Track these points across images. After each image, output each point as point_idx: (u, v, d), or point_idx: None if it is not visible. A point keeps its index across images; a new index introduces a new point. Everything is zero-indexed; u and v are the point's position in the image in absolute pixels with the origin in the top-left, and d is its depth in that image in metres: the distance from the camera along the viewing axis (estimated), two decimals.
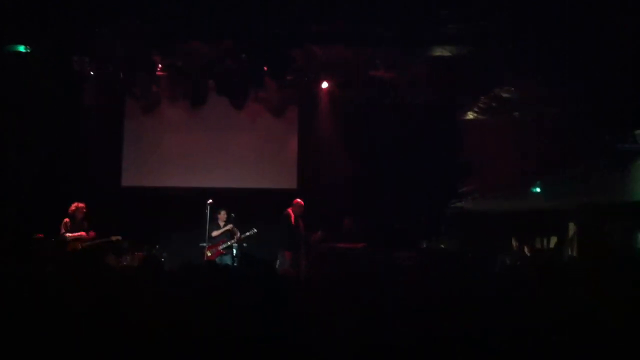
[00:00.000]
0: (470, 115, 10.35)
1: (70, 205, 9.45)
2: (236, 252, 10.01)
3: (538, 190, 10.29)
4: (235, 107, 11.35)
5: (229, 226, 10.12)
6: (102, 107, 11.17)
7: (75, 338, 3.19)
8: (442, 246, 9.95)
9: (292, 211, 10.06)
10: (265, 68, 10.39)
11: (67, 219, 9.36)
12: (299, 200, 10.17)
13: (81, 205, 9.48)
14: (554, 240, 10.54)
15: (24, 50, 9.92)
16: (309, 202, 10.70)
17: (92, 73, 10.51)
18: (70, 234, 9.27)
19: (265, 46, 9.80)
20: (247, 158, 11.59)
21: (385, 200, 10.98)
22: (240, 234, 10.02)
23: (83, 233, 9.35)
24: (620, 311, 3.71)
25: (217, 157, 11.58)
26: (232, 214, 10.21)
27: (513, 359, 3.29)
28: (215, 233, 9.97)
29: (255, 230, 9.99)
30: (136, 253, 9.39)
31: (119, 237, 9.51)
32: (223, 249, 10.06)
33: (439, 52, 9.74)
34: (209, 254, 9.94)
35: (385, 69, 10.24)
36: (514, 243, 9.41)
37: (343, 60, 10.13)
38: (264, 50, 9.90)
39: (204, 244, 9.95)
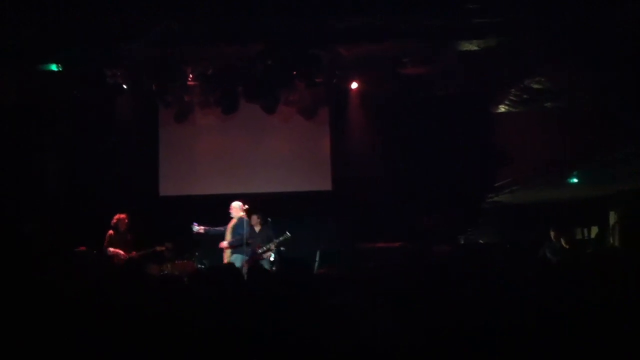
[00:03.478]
0: (502, 108, 10.24)
1: (111, 217, 9.61)
2: (274, 256, 10.05)
3: (575, 180, 10.13)
4: (266, 112, 11.40)
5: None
6: (136, 119, 11.36)
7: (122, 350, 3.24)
8: (480, 241, 9.87)
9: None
10: (295, 72, 10.43)
11: (111, 231, 9.49)
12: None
13: (123, 216, 9.59)
14: (594, 231, 10.36)
15: (56, 69, 10.12)
16: (345, 202, 10.72)
17: (124, 86, 10.68)
18: (112, 249, 9.42)
19: (292, 48, 9.84)
20: (280, 162, 11.65)
21: (422, 197, 10.93)
22: (276, 240, 10.06)
23: (121, 252, 9.44)
24: None
25: (251, 162, 11.67)
26: (268, 218, 10.27)
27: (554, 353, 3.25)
28: (224, 243, 9.83)
29: (289, 235, 10.01)
30: (177, 261, 9.51)
31: (164, 247, 9.63)
32: (261, 253, 10.11)
33: (467, 46, 9.67)
34: (247, 258, 10.00)
35: (414, 65, 10.20)
36: (552, 234, 9.26)
37: (371, 58, 10.11)
38: (290, 52, 9.95)
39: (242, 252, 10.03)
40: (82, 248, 9.12)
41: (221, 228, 9.86)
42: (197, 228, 9.68)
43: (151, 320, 3.63)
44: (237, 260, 9.46)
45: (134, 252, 9.47)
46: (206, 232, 9.82)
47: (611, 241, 9.65)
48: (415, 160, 11.19)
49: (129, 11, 8.50)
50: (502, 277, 4.94)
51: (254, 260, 9.96)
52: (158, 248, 9.59)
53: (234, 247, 9.67)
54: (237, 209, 9.86)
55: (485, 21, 8.91)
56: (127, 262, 8.95)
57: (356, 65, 10.41)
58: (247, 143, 11.75)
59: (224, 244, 9.73)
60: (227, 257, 9.68)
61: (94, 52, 9.67)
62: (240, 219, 9.77)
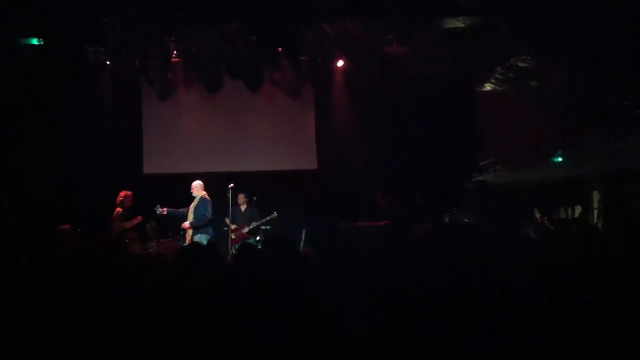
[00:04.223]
0: (488, 87, 10.22)
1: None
2: (259, 235, 10.06)
3: (559, 159, 10.16)
4: (250, 90, 11.32)
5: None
6: (119, 96, 11.25)
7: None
8: (465, 220, 9.90)
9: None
10: (280, 49, 10.37)
11: (119, 209, 9.44)
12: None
13: (129, 193, 9.53)
14: (578, 210, 10.43)
15: (37, 43, 9.97)
16: (330, 181, 10.74)
17: (107, 62, 10.56)
18: (127, 224, 9.40)
19: (275, 25, 9.75)
20: (266, 140, 11.60)
21: (406, 176, 10.94)
22: (261, 218, 10.06)
23: (140, 218, 9.45)
24: None
25: (235, 140, 11.62)
26: (254, 197, 10.26)
27: (533, 336, 3.27)
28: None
29: (275, 214, 10.02)
30: (161, 240, 9.46)
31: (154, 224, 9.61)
32: (247, 232, 10.13)
33: (452, 23, 9.63)
34: (233, 237, 10.02)
35: (399, 44, 10.14)
36: (537, 214, 9.31)
37: (354, 36, 10.04)
38: (274, 29, 9.86)
39: (227, 228, 10.03)
40: (66, 226, 9.04)
41: (184, 209, 9.76)
42: (160, 210, 9.61)
43: (138, 301, 3.61)
44: (202, 240, 9.41)
45: (140, 217, 9.48)
46: (169, 213, 9.72)
47: (595, 221, 9.72)
48: (400, 140, 11.18)
49: None
50: (484, 256, 4.96)
51: (241, 239, 9.99)
52: (147, 225, 9.55)
53: (197, 227, 9.57)
54: (198, 188, 9.78)
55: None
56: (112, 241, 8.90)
57: (340, 44, 10.33)
58: (232, 121, 11.68)
59: (186, 224, 9.63)
60: (190, 237, 9.57)
61: (76, 26, 9.54)
62: (202, 199, 9.69)
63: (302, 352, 3.13)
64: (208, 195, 9.77)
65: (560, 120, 9.60)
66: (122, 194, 9.54)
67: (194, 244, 8.13)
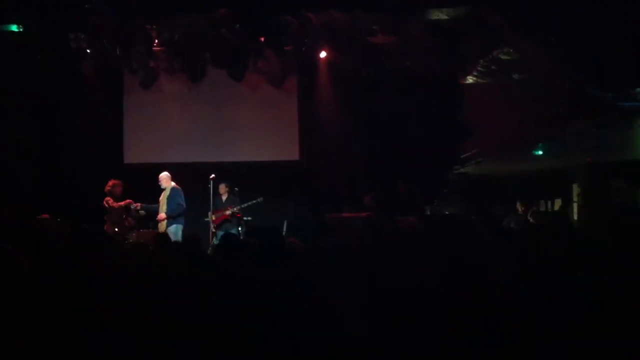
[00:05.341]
0: (470, 79, 10.26)
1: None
2: (241, 226, 10.05)
3: (540, 152, 10.25)
4: (234, 79, 11.25)
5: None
6: (100, 84, 11.11)
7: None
8: (447, 212, 9.96)
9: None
10: (263, 39, 10.31)
11: (108, 198, 9.45)
12: None
13: (117, 182, 9.57)
14: (558, 203, 10.53)
15: (16, 30, 9.82)
16: (312, 172, 10.72)
17: (88, 50, 10.43)
18: (120, 203, 9.45)
19: (260, 13, 9.69)
20: (248, 130, 11.51)
21: (389, 167, 10.96)
22: (244, 204, 10.06)
23: (129, 200, 9.50)
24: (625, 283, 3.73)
25: (218, 130, 11.53)
26: (235, 188, 10.23)
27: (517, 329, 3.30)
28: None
29: (261, 198, 10.02)
30: (141, 230, 9.42)
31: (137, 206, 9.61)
32: (229, 215, 10.08)
33: (436, 15, 9.63)
34: (214, 218, 9.98)
35: (383, 34, 10.13)
36: (519, 207, 9.38)
37: (339, 26, 10.02)
38: (258, 18, 9.80)
39: (208, 219, 10.01)
40: (45, 215, 8.95)
41: (156, 205, 9.79)
42: (133, 206, 9.61)
43: (124, 292, 3.59)
44: (178, 230, 9.43)
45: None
46: (143, 209, 9.71)
47: (575, 216, 9.83)
48: (382, 131, 11.18)
49: None
50: (466, 247, 5.00)
51: (221, 220, 9.97)
52: (132, 205, 9.55)
53: (173, 217, 9.59)
54: (166, 179, 9.83)
55: None
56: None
57: (325, 34, 10.30)
58: (214, 111, 11.58)
59: (162, 215, 9.64)
60: (163, 227, 9.57)
61: (57, 12, 9.40)
62: (173, 189, 9.73)
63: (293, 347, 3.12)
64: (188, 185, 9.75)
65: (543, 112, 9.68)
66: (111, 182, 9.53)
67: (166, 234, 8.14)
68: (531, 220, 8.92)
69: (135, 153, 11.46)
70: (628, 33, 8.30)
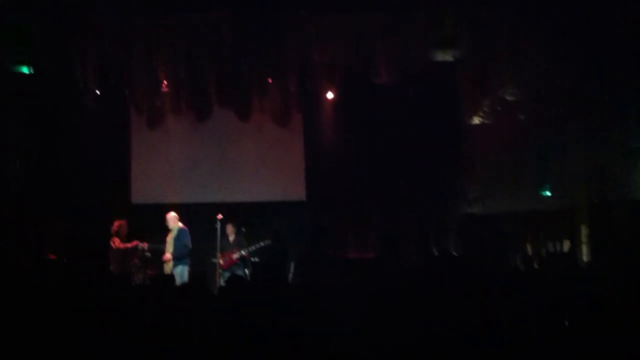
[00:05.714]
0: (476, 120, 10.30)
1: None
2: (248, 264, 10.00)
3: (548, 193, 10.21)
4: (240, 118, 11.33)
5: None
6: (107, 123, 11.14)
7: None
8: (453, 252, 9.90)
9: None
10: (270, 80, 10.42)
11: (115, 238, 9.48)
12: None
13: (124, 222, 9.62)
14: (567, 244, 10.44)
15: (27, 72, 9.92)
16: (319, 212, 10.71)
17: (97, 92, 10.51)
18: (127, 244, 9.46)
19: (264, 53, 9.78)
20: (254, 170, 11.50)
21: (396, 207, 10.94)
22: (253, 245, 10.03)
23: (136, 242, 9.52)
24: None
25: (224, 170, 11.53)
26: (242, 228, 10.22)
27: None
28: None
29: (269, 241, 10.00)
30: (148, 271, 9.40)
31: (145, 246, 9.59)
32: (236, 258, 10.05)
33: (441, 56, 9.70)
34: (222, 262, 9.95)
35: (387, 72, 10.21)
36: (527, 248, 9.33)
37: (343, 62, 10.10)
38: (264, 58, 9.89)
39: (215, 260, 9.96)
40: (52, 256, 8.96)
41: (162, 245, 9.81)
42: (140, 246, 9.59)
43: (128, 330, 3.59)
44: (184, 270, 9.43)
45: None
46: (150, 249, 9.69)
47: (584, 258, 9.72)
48: (388, 170, 11.20)
49: None
50: (474, 288, 4.95)
51: (229, 265, 9.93)
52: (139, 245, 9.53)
53: (179, 258, 9.59)
54: (173, 219, 9.88)
55: (458, 28, 8.98)
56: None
57: (329, 72, 10.40)
58: (221, 150, 11.60)
59: (168, 255, 9.66)
60: (169, 268, 9.58)
61: (66, 53, 9.49)
62: (180, 230, 9.79)
63: None
64: (195, 225, 9.75)
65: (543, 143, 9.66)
66: (117, 223, 9.55)
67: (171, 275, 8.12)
68: (539, 261, 8.84)
69: (142, 193, 11.44)
70: (628, 33, 8.28)
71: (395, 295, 4.64)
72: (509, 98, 9.84)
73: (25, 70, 9.88)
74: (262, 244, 10.02)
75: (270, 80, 10.51)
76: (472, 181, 10.95)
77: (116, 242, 9.46)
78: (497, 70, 9.64)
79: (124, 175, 11.50)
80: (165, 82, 10.56)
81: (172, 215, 9.84)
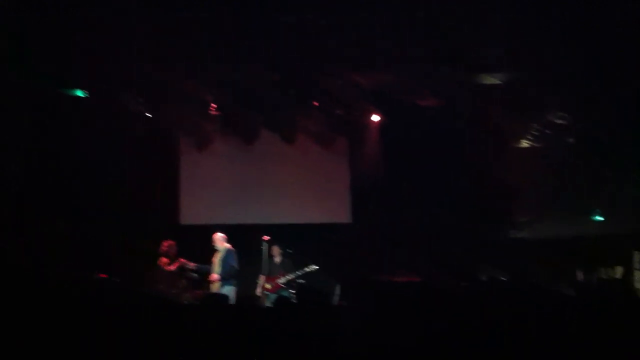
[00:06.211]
0: (525, 144, 10.18)
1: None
2: (294, 287, 10.02)
3: (600, 218, 10.00)
4: (286, 142, 11.46)
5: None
6: (157, 147, 11.42)
7: None
8: (502, 278, 9.73)
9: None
10: (316, 103, 10.52)
11: (164, 259, 9.61)
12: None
13: (173, 242, 9.74)
14: (619, 270, 10.18)
15: (82, 95, 10.21)
16: (364, 234, 10.70)
17: (148, 114, 10.76)
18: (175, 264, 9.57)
19: (312, 79, 9.87)
20: (300, 192, 11.63)
21: (442, 230, 10.84)
22: (299, 270, 10.06)
23: (184, 260, 9.66)
24: None
25: (271, 192, 11.66)
26: (289, 250, 10.26)
27: None
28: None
29: (315, 267, 10.02)
30: (195, 291, 9.50)
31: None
32: (282, 283, 10.10)
33: (487, 79, 9.65)
34: (269, 287, 9.99)
35: (432, 97, 10.20)
36: (578, 274, 9.12)
37: (388, 88, 10.13)
38: (311, 83, 9.98)
39: (261, 283, 10.02)
40: (102, 275, 9.11)
41: (209, 266, 9.86)
42: (188, 266, 9.69)
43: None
44: (229, 291, 9.42)
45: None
46: (197, 269, 9.77)
47: (636, 285, 9.46)
48: (434, 194, 11.12)
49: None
50: (523, 315, 4.86)
51: (276, 289, 9.97)
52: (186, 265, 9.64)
53: (226, 278, 9.65)
54: (220, 240, 9.94)
55: (505, 53, 8.90)
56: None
57: (374, 96, 10.43)
58: (268, 173, 11.75)
59: (215, 276, 9.71)
60: (216, 288, 9.62)
61: (119, 77, 9.72)
62: (227, 250, 9.83)
63: None
64: (242, 247, 9.83)
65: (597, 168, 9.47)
66: (166, 243, 9.68)
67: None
68: (590, 288, 8.62)
69: (191, 214, 11.64)
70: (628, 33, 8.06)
71: (444, 321, 4.59)
72: (558, 121, 9.72)
73: (80, 93, 10.20)
74: (307, 269, 10.04)
75: (315, 104, 10.60)
76: (520, 205, 10.79)
77: (164, 263, 9.59)
78: (546, 93, 9.53)
79: (173, 197, 11.70)
80: (213, 105, 10.76)
81: (219, 236, 9.94)
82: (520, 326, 4.49)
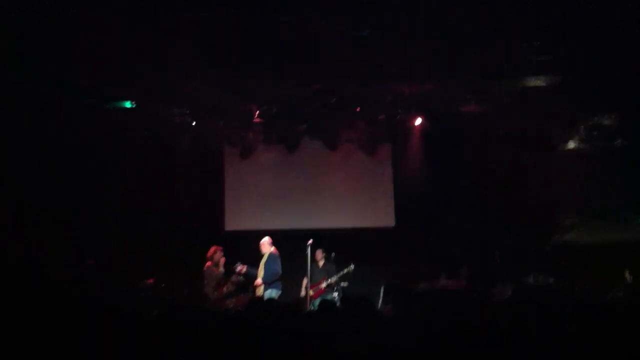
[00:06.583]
0: (571, 146, 10.01)
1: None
2: (338, 291, 10.07)
3: None
4: (329, 149, 11.56)
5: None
6: (202, 156, 11.65)
7: None
8: (547, 283, 9.61)
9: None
10: (358, 109, 10.57)
11: (209, 263, 9.76)
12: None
13: (220, 247, 9.88)
14: None
15: (129, 106, 10.45)
16: (408, 238, 10.68)
17: (193, 124, 10.98)
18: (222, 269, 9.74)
19: (354, 87, 9.91)
20: (343, 198, 11.75)
21: (485, 235, 10.76)
22: (338, 273, 10.10)
23: (239, 265, 9.76)
24: None
25: (314, 198, 11.81)
26: (332, 253, 10.33)
27: None
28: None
29: (352, 267, 10.05)
30: (241, 295, 9.63)
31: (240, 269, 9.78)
32: (325, 287, 10.17)
33: (532, 82, 9.54)
34: (312, 293, 10.06)
35: (476, 102, 10.13)
36: (627, 275, 8.92)
37: (431, 95, 10.10)
38: (352, 91, 10.03)
39: (304, 290, 10.10)
40: (150, 280, 9.31)
41: (255, 270, 9.93)
42: (239, 268, 9.79)
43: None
44: (273, 294, 9.53)
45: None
46: (246, 272, 9.86)
47: None
48: (477, 198, 11.06)
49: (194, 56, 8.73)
50: (570, 321, 4.80)
51: (319, 295, 10.04)
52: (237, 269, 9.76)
53: (270, 283, 9.73)
54: (266, 244, 10.00)
55: (549, 57, 8.77)
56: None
57: (417, 103, 10.42)
58: (310, 179, 11.90)
59: (259, 280, 9.80)
60: (260, 293, 9.71)
61: (162, 89, 9.92)
62: (272, 254, 9.90)
63: None
64: (286, 251, 9.94)
65: None
66: (213, 248, 9.86)
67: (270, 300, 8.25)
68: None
69: (235, 220, 11.84)
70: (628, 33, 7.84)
71: (488, 328, 4.57)
72: (606, 123, 9.55)
73: (127, 105, 10.45)
74: (345, 270, 10.08)
75: (358, 110, 10.65)
76: (566, 209, 10.63)
77: (211, 267, 9.74)
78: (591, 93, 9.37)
79: (218, 204, 11.89)
80: (257, 113, 10.93)
81: (265, 240, 10.03)
82: (567, 332, 4.45)
